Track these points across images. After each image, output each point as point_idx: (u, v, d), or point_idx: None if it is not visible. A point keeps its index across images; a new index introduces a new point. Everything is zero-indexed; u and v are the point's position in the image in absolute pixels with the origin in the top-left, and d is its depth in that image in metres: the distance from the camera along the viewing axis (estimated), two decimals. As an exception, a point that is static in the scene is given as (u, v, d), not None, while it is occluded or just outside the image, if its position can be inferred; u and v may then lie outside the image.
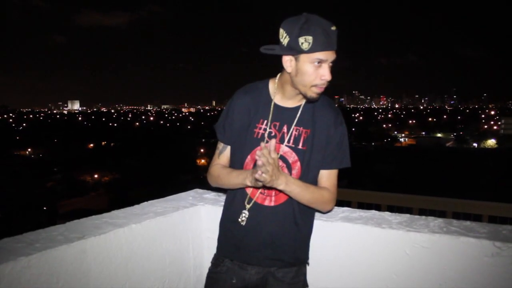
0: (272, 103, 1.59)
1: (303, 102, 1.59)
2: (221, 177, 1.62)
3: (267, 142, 1.56)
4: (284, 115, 1.58)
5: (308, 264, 1.70)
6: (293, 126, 1.57)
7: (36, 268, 1.40)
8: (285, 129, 1.57)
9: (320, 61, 1.42)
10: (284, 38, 1.43)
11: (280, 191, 1.50)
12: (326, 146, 1.57)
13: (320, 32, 1.38)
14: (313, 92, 1.47)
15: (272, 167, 1.36)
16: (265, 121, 1.58)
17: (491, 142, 63.68)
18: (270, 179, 1.39)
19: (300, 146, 1.56)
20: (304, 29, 1.38)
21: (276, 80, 1.60)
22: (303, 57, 1.42)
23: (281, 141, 1.56)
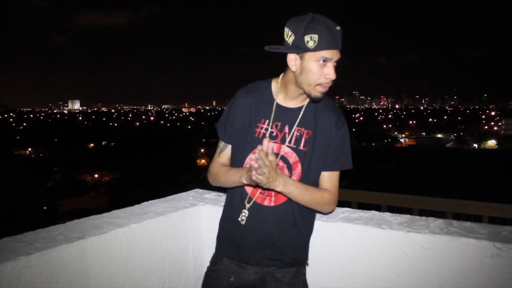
0: (274, 103, 1.59)
1: (305, 102, 1.58)
2: (219, 175, 1.63)
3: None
4: (286, 116, 1.58)
5: (307, 264, 1.70)
6: (294, 127, 1.56)
7: (36, 267, 1.40)
8: (286, 129, 1.57)
9: (325, 60, 1.42)
10: (289, 36, 1.43)
11: (279, 192, 1.50)
12: (328, 148, 1.57)
13: (325, 31, 1.38)
14: (317, 91, 1.47)
15: (268, 169, 1.36)
16: (267, 121, 1.58)
17: (492, 142, 63.67)
18: (266, 181, 1.38)
19: (301, 147, 1.56)
20: (310, 27, 1.38)
21: (279, 80, 1.60)
22: (308, 55, 1.42)
23: (283, 141, 1.56)
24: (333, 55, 1.42)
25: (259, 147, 1.35)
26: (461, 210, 2.96)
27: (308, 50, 1.40)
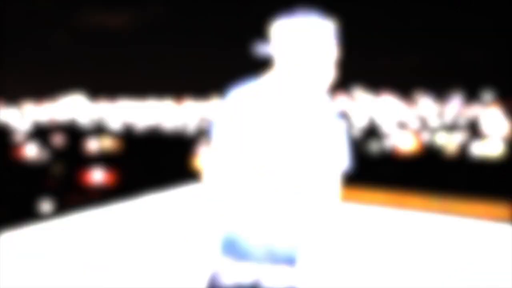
0: (270, 104, 1.58)
1: (301, 102, 1.57)
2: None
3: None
4: (281, 116, 1.57)
5: (304, 264, 1.69)
6: (291, 128, 1.55)
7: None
8: (282, 130, 1.56)
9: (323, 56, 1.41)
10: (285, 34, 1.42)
11: None
12: (325, 147, 1.56)
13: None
14: (315, 89, 1.47)
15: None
16: (262, 122, 1.57)
17: (494, 145, 63.70)
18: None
19: (297, 148, 1.55)
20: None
21: (275, 80, 1.59)
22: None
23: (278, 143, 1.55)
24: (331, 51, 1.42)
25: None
26: (462, 212, 2.95)
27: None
